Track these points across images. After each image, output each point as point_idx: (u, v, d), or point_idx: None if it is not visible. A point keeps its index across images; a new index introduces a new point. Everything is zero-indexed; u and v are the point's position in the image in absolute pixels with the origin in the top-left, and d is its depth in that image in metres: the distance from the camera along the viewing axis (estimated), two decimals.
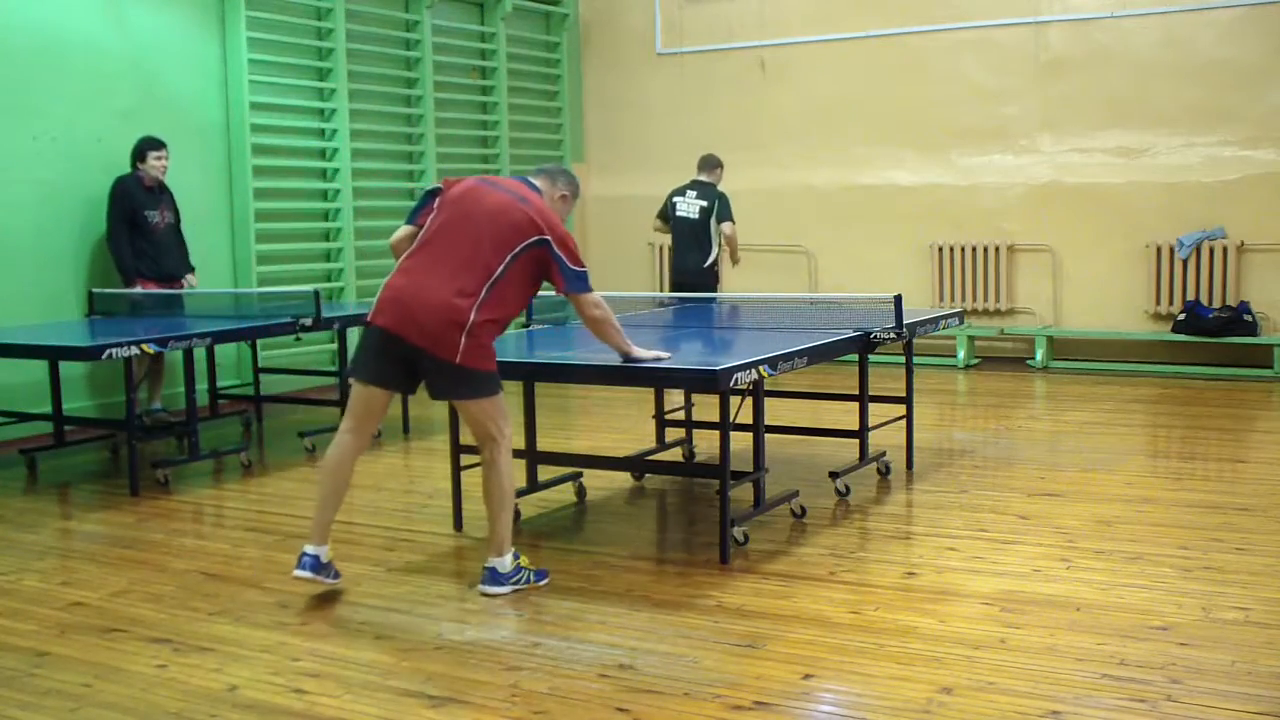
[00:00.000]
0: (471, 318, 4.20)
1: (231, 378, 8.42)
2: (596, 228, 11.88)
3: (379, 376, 4.36)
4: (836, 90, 10.68)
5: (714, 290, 8.99)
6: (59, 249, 7.63)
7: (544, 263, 4.34)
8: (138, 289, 7.46)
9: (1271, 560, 4.67)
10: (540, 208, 4.39)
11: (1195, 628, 3.95)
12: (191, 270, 7.80)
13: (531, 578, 4.47)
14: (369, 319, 4.36)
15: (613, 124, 11.75)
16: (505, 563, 4.42)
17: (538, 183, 4.54)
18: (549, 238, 4.31)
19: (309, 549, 4.42)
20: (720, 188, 8.93)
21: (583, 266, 4.41)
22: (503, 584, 4.40)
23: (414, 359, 4.27)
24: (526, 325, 6.31)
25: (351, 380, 4.43)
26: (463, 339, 4.19)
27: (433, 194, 4.48)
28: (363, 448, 4.47)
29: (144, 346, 6.01)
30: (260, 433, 7.85)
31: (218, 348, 7.62)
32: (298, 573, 4.39)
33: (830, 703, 3.51)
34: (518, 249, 4.28)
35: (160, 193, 7.58)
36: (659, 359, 4.63)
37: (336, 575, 4.50)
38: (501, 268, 4.26)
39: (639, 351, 4.60)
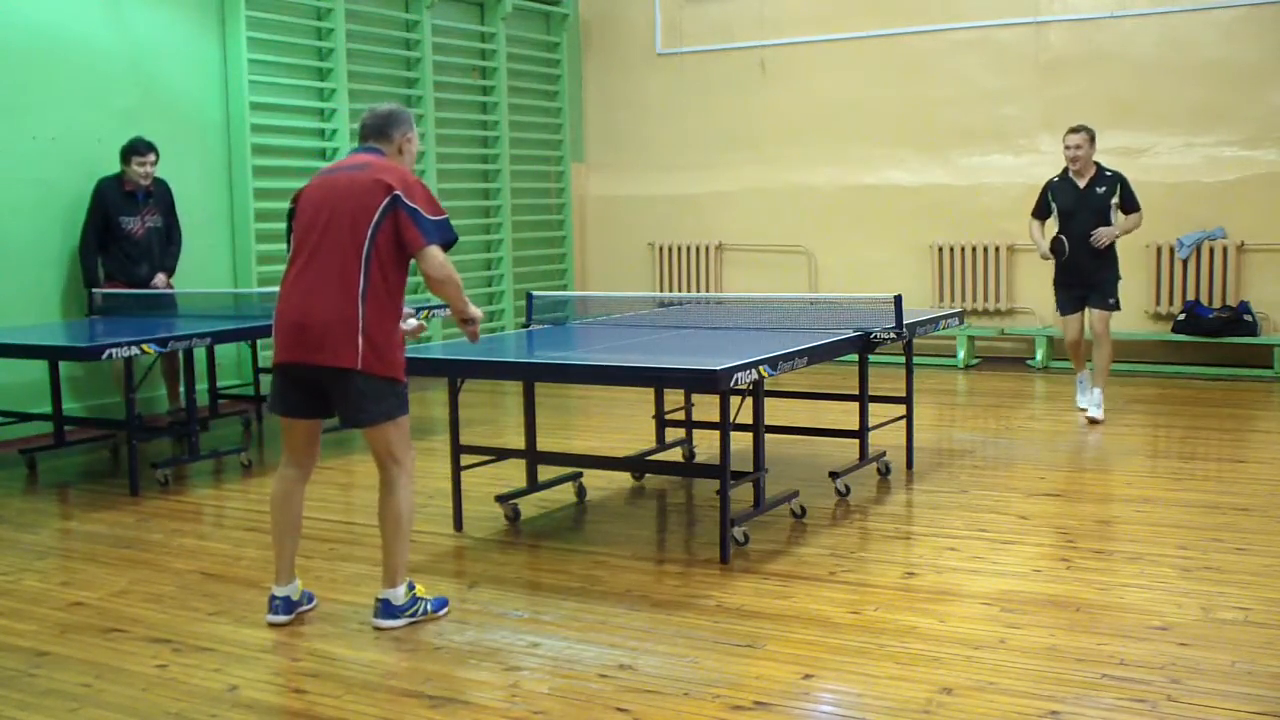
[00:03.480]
0: (361, 314, 3.92)
1: (231, 378, 8.42)
2: (596, 228, 11.88)
3: (293, 408, 4.11)
4: (836, 90, 10.67)
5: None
6: (59, 249, 7.63)
7: (403, 222, 3.97)
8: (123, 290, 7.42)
9: (1271, 560, 4.67)
10: (382, 165, 4.07)
11: (1195, 628, 3.95)
12: (167, 272, 7.69)
13: (429, 607, 4.18)
14: (274, 359, 4.11)
15: (613, 124, 11.75)
16: (399, 594, 4.12)
17: (376, 144, 4.20)
18: (398, 191, 3.95)
19: (277, 591, 4.21)
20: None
21: (442, 214, 4.05)
22: (397, 616, 4.10)
23: (319, 382, 4.01)
24: (526, 325, 6.31)
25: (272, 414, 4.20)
26: (360, 341, 3.91)
27: (292, 215, 4.18)
28: (304, 478, 4.22)
29: (144, 346, 6.01)
30: (260, 433, 7.85)
31: (218, 348, 7.62)
32: (271, 619, 4.18)
33: (830, 703, 3.51)
34: (376, 217, 3.94)
35: (145, 197, 7.50)
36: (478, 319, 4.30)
37: (311, 599, 4.33)
38: (368, 244, 3.94)
39: (474, 310, 4.26)
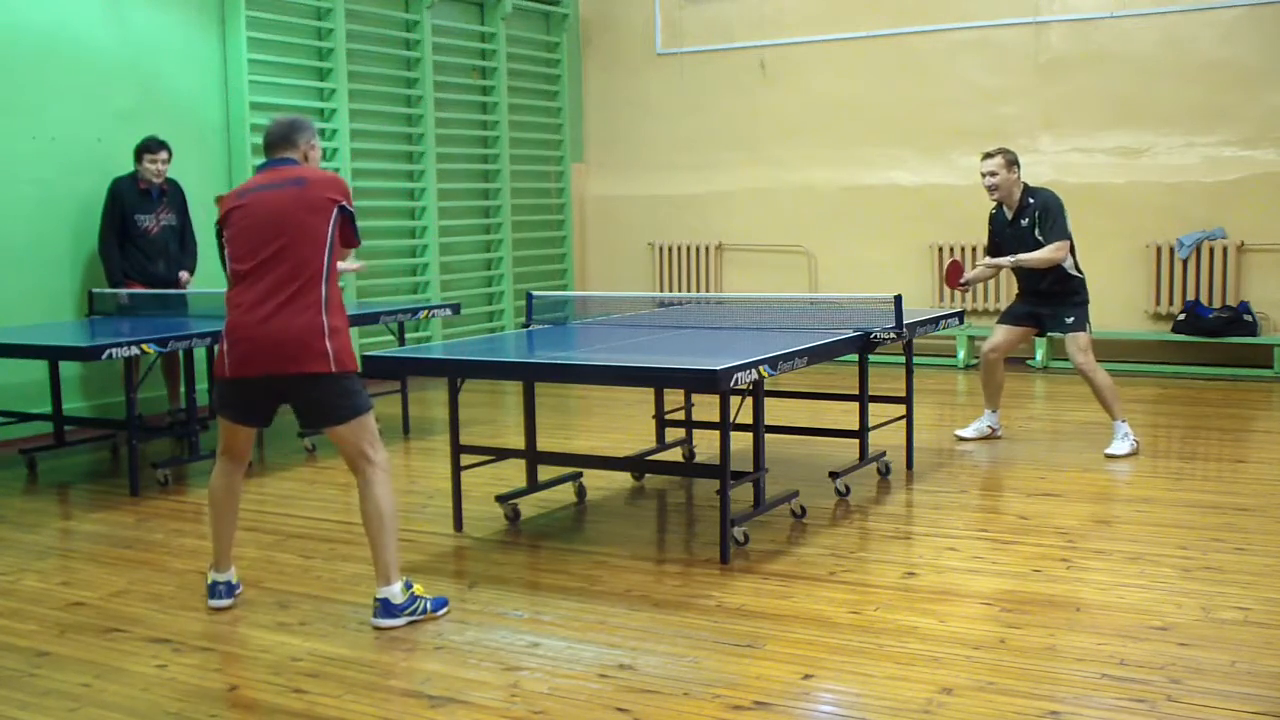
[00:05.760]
0: (326, 324, 4.06)
1: None
2: (596, 228, 11.88)
3: (245, 416, 4.27)
4: (836, 90, 10.68)
5: None
6: (59, 249, 7.64)
7: (346, 227, 4.18)
8: (126, 291, 7.45)
9: (1271, 560, 4.67)
10: (318, 178, 4.19)
11: (1195, 628, 3.95)
12: (188, 270, 7.75)
13: (428, 606, 4.20)
14: (217, 371, 4.21)
15: (613, 124, 11.75)
16: (396, 592, 4.13)
17: (286, 154, 4.26)
18: (343, 201, 4.13)
19: (219, 577, 4.37)
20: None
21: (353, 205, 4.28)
22: (396, 616, 4.12)
23: (281, 390, 4.14)
24: (526, 325, 6.31)
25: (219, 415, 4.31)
26: (328, 344, 4.05)
27: (220, 232, 4.30)
28: (242, 468, 4.39)
29: (144, 346, 6.01)
30: (260, 433, 7.81)
31: (217, 348, 7.60)
32: (214, 603, 4.35)
33: (830, 703, 3.51)
34: (329, 232, 4.09)
35: (159, 195, 7.55)
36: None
37: (238, 586, 4.49)
38: (326, 258, 4.09)
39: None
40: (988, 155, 6.66)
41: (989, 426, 7.08)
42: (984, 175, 6.64)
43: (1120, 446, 6.52)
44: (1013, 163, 6.63)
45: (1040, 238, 6.53)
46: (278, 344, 4.05)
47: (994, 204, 6.82)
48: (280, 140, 4.27)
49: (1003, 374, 7.04)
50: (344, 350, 4.11)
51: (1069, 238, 6.55)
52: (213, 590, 4.38)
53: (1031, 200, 6.61)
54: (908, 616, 4.13)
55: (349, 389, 4.14)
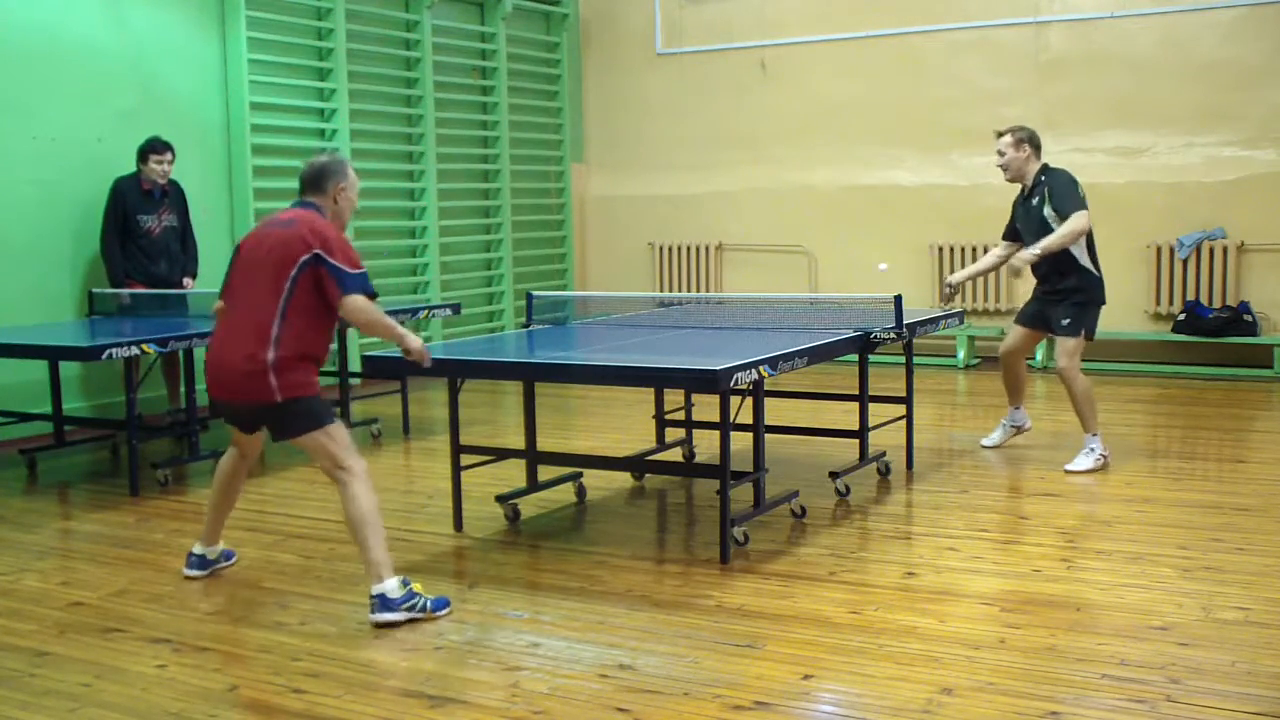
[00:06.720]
0: (270, 357, 4.15)
1: None
2: (596, 228, 11.88)
3: (236, 427, 4.58)
4: (836, 90, 10.68)
5: None
6: (59, 249, 7.64)
7: (324, 278, 4.18)
8: (127, 291, 7.46)
9: (1271, 560, 4.67)
10: (309, 220, 4.24)
11: (1195, 628, 3.96)
12: (191, 275, 7.76)
13: (428, 605, 4.19)
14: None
15: (613, 124, 11.75)
16: (391, 587, 4.14)
17: (311, 197, 4.37)
18: (318, 249, 4.16)
19: (197, 549, 4.74)
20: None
21: (361, 269, 4.24)
22: (394, 609, 4.12)
23: (247, 411, 4.37)
24: (527, 325, 6.31)
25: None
26: (272, 378, 4.17)
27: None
28: (249, 461, 4.68)
29: (144, 346, 6.01)
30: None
31: None
32: (186, 571, 4.72)
33: (830, 703, 3.51)
34: (294, 271, 4.16)
35: (161, 196, 7.55)
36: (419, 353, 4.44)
37: (230, 556, 4.86)
38: (284, 297, 4.16)
39: (413, 340, 4.41)
40: (999, 133, 6.47)
41: (1013, 427, 6.88)
42: (997, 154, 6.47)
43: (1082, 461, 6.23)
44: (1023, 141, 6.38)
45: (1050, 217, 6.21)
46: (229, 377, 4.27)
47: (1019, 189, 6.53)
48: (307, 184, 4.41)
49: (1024, 372, 6.80)
50: (293, 383, 4.20)
51: (1086, 208, 6.15)
52: (188, 560, 4.73)
53: (1044, 178, 6.34)
54: (908, 616, 4.13)
55: (302, 411, 4.25)
